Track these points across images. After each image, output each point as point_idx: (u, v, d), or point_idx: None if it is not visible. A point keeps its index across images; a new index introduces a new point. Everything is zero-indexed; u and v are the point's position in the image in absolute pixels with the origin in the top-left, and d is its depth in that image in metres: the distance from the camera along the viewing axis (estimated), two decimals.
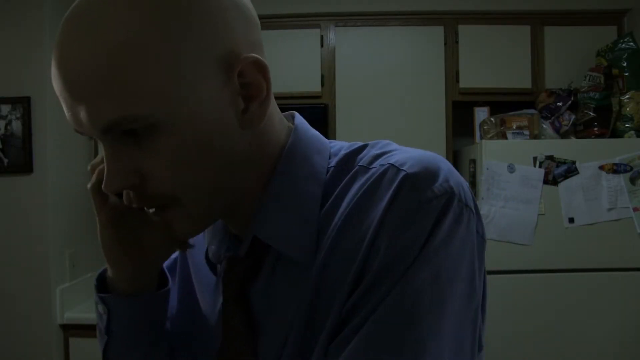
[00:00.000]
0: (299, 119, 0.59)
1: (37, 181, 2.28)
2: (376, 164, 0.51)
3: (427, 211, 0.45)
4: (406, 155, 0.50)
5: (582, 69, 2.44)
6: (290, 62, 2.55)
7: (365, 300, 0.46)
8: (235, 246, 0.57)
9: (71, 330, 2.31)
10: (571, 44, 2.53)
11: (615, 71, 2.36)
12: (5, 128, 2.28)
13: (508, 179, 2.14)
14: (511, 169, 2.15)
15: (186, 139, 0.45)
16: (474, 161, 2.28)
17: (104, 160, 0.47)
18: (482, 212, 2.14)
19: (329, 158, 0.55)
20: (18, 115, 2.27)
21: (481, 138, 2.35)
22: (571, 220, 2.14)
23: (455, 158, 2.62)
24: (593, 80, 2.35)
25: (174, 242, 0.55)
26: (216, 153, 0.47)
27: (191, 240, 0.61)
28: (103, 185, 0.47)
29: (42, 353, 2.27)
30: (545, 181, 2.14)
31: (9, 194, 2.29)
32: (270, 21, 2.57)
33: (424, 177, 0.47)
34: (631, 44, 2.35)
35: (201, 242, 0.64)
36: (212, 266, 0.61)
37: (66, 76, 0.44)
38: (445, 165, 0.49)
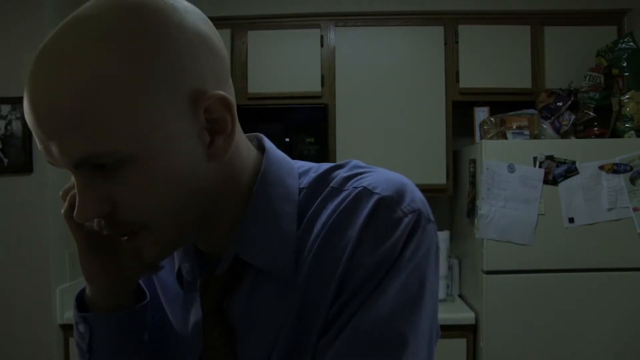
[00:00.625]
0: (268, 142, 0.62)
1: (37, 181, 2.28)
2: (348, 186, 0.56)
3: (398, 228, 0.52)
4: (376, 178, 0.56)
5: (582, 69, 2.44)
6: (290, 62, 2.55)
7: (346, 307, 0.52)
8: (210, 264, 0.60)
9: (71, 330, 2.29)
10: (571, 44, 2.53)
11: (615, 71, 2.36)
12: (5, 128, 2.28)
13: (508, 179, 2.14)
14: (511, 169, 2.15)
15: (153, 171, 0.48)
16: (474, 161, 2.28)
17: (76, 191, 0.49)
18: (482, 212, 2.14)
19: (299, 178, 0.60)
20: (18, 115, 2.27)
21: (481, 138, 2.35)
22: (571, 220, 2.14)
23: (455, 158, 2.62)
24: (593, 80, 2.35)
25: (145, 265, 0.58)
26: (183, 184, 0.50)
27: (163, 263, 0.64)
28: (75, 214, 0.49)
29: (42, 353, 2.27)
30: (545, 181, 2.14)
31: (9, 194, 2.29)
32: (270, 21, 2.57)
33: (396, 198, 0.53)
34: (631, 44, 2.35)
35: (166, 259, 0.66)
36: (180, 282, 0.65)
37: (38, 112, 0.45)
38: (410, 186, 0.56)
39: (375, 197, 0.53)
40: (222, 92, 0.50)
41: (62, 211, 0.57)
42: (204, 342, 0.59)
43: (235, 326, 0.58)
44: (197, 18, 0.50)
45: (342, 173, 0.58)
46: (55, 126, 0.45)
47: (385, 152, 2.53)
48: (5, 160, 2.28)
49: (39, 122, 0.46)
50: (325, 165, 0.61)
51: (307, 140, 2.47)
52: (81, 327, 0.61)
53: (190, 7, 0.51)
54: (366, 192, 0.54)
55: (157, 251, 0.53)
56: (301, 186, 0.59)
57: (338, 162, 0.61)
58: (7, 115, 2.28)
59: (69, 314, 2.30)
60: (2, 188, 2.29)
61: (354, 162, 0.61)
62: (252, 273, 0.57)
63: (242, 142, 0.57)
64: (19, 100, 2.26)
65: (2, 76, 2.29)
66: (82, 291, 0.63)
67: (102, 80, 0.44)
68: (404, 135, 2.54)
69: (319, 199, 0.57)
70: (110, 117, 0.44)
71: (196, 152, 0.50)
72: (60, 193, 0.58)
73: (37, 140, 0.48)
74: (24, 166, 2.27)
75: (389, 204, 0.53)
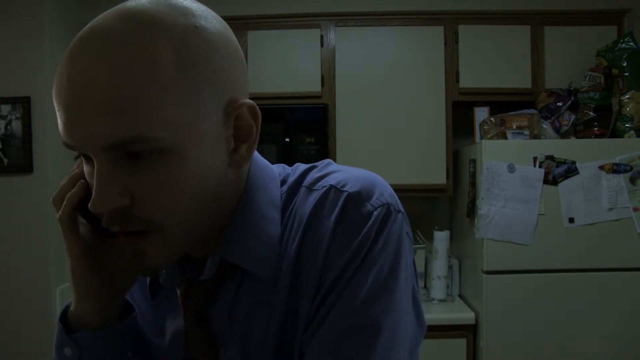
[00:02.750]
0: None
1: (37, 181, 2.28)
2: (319, 185, 0.58)
3: (368, 222, 0.53)
4: (345, 175, 0.58)
5: (582, 69, 2.43)
6: (290, 62, 2.55)
7: (323, 304, 0.53)
8: (192, 269, 0.59)
9: None
10: (571, 44, 2.53)
11: (615, 71, 2.35)
12: (5, 128, 2.28)
13: (508, 179, 2.14)
14: (511, 169, 2.15)
15: (185, 168, 0.48)
16: (474, 161, 2.28)
17: (95, 178, 0.47)
18: (482, 212, 2.14)
19: (281, 185, 0.61)
20: (18, 115, 2.27)
21: (481, 138, 2.35)
22: (571, 220, 2.13)
23: (455, 158, 2.62)
24: (593, 80, 2.35)
25: (144, 269, 0.55)
26: (205, 188, 0.51)
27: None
28: (91, 204, 0.47)
29: (42, 353, 2.27)
30: (545, 181, 2.14)
31: (9, 194, 2.29)
32: (270, 21, 2.57)
33: (364, 194, 0.55)
34: (631, 44, 2.35)
35: None
36: (152, 290, 0.63)
37: (81, 90, 0.44)
38: (379, 181, 0.58)
39: (345, 194, 0.55)
40: (252, 102, 0.53)
41: (58, 216, 0.54)
42: (187, 352, 0.58)
43: (217, 334, 0.57)
44: (230, 30, 0.53)
45: (314, 173, 0.60)
46: (100, 104, 0.44)
47: (385, 152, 2.53)
48: (5, 160, 2.28)
49: (79, 99, 0.44)
50: (302, 167, 0.63)
51: (307, 140, 2.47)
52: (67, 351, 0.57)
53: (223, 21, 0.53)
54: (335, 190, 0.56)
55: (164, 255, 0.52)
56: (282, 192, 0.60)
57: (312, 164, 0.63)
58: (7, 115, 2.28)
59: None
60: (2, 188, 2.29)
61: (327, 161, 0.64)
62: (236, 278, 0.57)
63: None
64: (19, 100, 2.26)
65: (2, 76, 2.29)
66: (64, 312, 0.59)
67: (156, 65, 0.45)
68: (404, 135, 2.54)
69: (296, 201, 0.58)
70: (159, 102, 0.45)
71: (221, 157, 0.52)
72: (52, 199, 0.55)
73: (65, 119, 0.46)
74: (24, 166, 2.27)
75: (358, 200, 0.54)
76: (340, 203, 0.54)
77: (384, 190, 0.56)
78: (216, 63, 0.49)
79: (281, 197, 0.60)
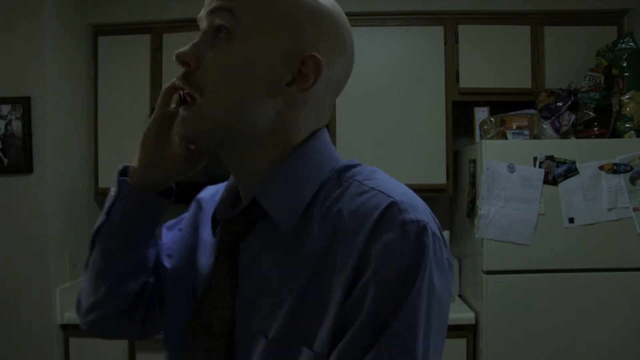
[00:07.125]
0: (326, 134, 0.68)
1: (37, 181, 2.28)
2: (368, 184, 0.61)
3: (408, 231, 0.55)
4: (392, 185, 0.61)
5: (582, 69, 2.43)
6: None
7: (368, 322, 0.53)
8: (236, 206, 0.68)
9: (71, 330, 2.31)
10: (571, 44, 2.53)
11: (615, 71, 2.35)
12: (5, 128, 2.28)
13: (508, 179, 2.14)
14: (511, 169, 2.15)
15: (243, 57, 0.59)
16: (474, 161, 2.28)
17: (193, 42, 0.61)
18: (482, 212, 2.14)
19: (331, 170, 0.66)
20: (18, 115, 2.27)
21: (481, 138, 2.35)
22: (571, 220, 2.13)
23: (455, 158, 2.62)
24: (593, 80, 2.35)
25: (180, 136, 0.64)
26: (251, 85, 0.60)
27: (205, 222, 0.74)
28: (176, 51, 0.60)
29: (42, 353, 2.27)
30: (545, 181, 2.13)
31: (9, 194, 2.29)
32: None
33: (406, 204, 0.57)
34: (631, 44, 2.35)
35: (211, 205, 0.74)
36: (214, 227, 0.71)
37: None
38: (421, 201, 0.61)
39: (389, 200, 0.57)
40: (321, 58, 0.61)
41: (164, 87, 0.68)
42: (211, 279, 0.65)
43: (241, 270, 0.63)
44: (333, 6, 0.65)
45: (364, 170, 0.65)
46: None
47: (385, 152, 2.53)
48: (5, 160, 2.28)
49: None
50: (352, 163, 0.67)
51: None
52: (112, 191, 0.69)
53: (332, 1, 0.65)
54: (383, 196, 0.58)
55: (194, 127, 0.61)
56: (330, 174, 0.65)
57: (352, 160, 0.68)
58: (7, 115, 2.28)
59: (69, 314, 2.30)
60: (2, 188, 2.29)
61: (373, 167, 0.67)
62: (265, 222, 0.62)
63: (308, 119, 0.65)
64: (19, 100, 2.26)
65: (2, 76, 2.29)
66: (127, 167, 0.70)
67: None
68: (404, 135, 2.54)
69: (342, 187, 0.62)
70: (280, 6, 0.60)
71: (277, 77, 0.61)
72: (163, 89, 0.68)
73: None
74: (24, 166, 2.27)
75: (399, 207, 0.57)
76: (383, 206, 0.57)
77: (423, 211, 0.59)
78: (303, 15, 0.61)
79: (328, 177, 0.64)
